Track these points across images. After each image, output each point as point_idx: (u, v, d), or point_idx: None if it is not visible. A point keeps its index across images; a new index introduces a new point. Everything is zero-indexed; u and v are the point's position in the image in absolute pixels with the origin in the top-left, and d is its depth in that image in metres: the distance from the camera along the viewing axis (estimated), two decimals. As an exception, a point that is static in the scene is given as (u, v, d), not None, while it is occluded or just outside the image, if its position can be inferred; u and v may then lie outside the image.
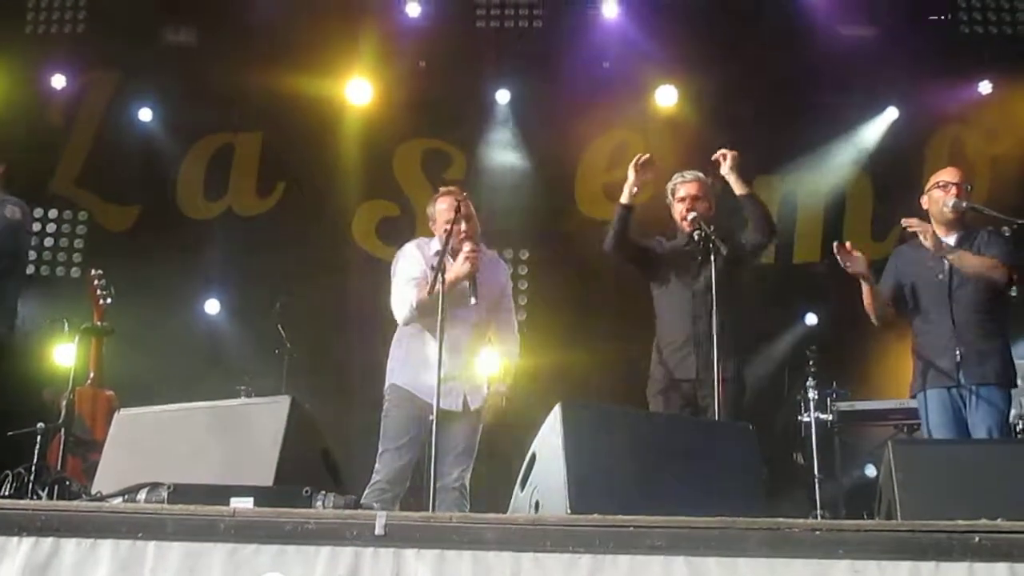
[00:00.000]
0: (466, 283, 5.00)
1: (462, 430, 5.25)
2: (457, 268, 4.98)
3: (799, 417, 6.71)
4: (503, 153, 8.50)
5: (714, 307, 5.05)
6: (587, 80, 8.35)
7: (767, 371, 7.65)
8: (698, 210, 5.51)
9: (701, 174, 5.68)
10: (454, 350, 5.11)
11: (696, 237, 5.38)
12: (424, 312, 5.09)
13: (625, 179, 5.46)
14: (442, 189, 5.48)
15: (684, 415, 5.24)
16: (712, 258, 5.17)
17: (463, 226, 5.13)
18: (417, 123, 8.63)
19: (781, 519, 2.72)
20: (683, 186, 5.64)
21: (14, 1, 8.89)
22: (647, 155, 5.47)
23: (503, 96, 8.59)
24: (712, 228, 5.29)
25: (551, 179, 8.47)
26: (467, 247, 5.02)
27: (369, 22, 8.47)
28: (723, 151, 5.49)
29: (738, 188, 5.46)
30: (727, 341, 5.10)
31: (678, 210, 5.64)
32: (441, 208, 5.28)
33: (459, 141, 8.73)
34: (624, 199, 5.48)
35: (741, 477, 3.44)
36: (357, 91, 8.44)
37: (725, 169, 5.45)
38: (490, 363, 5.41)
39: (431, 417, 4.75)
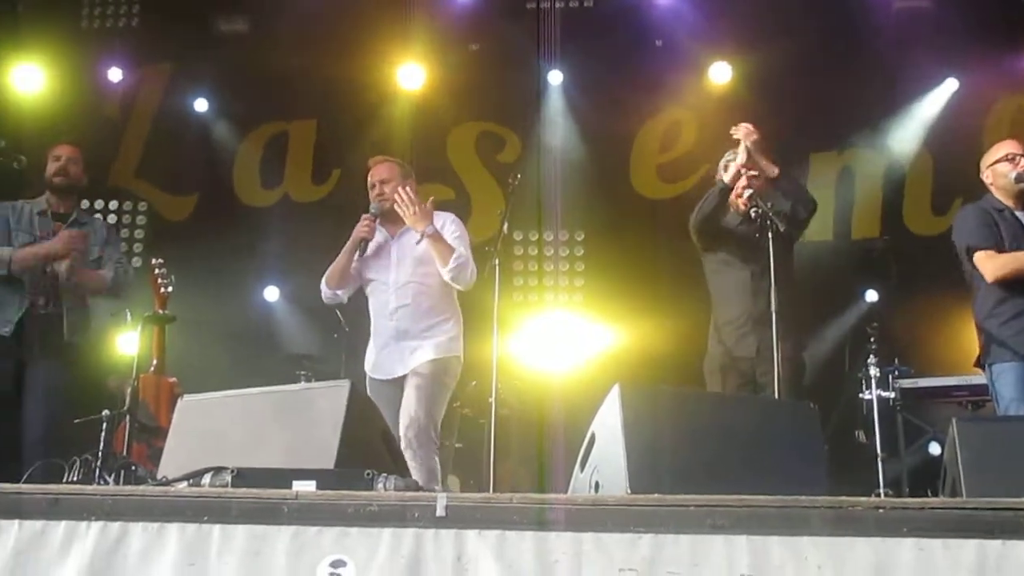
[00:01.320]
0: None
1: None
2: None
3: (860, 395, 6.63)
4: (556, 134, 8.47)
5: (772, 284, 5.02)
6: (640, 59, 8.30)
7: (827, 349, 7.57)
8: (754, 187, 5.48)
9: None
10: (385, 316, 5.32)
11: (753, 215, 5.34)
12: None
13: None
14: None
15: (743, 394, 5.22)
16: (770, 235, 5.14)
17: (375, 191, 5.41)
18: (470, 106, 8.63)
19: (844, 498, 2.69)
20: (736, 162, 5.60)
21: (70, -2, 9.01)
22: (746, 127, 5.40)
23: (556, 77, 8.56)
24: (769, 205, 5.25)
25: (605, 160, 8.43)
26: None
27: (420, 6, 8.46)
28: (741, 125, 5.43)
29: (768, 170, 5.42)
30: (786, 319, 5.07)
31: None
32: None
33: (512, 123, 8.71)
34: (728, 179, 5.45)
35: (803, 456, 3.41)
36: (410, 76, 8.46)
37: (742, 154, 5.38)
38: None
39: None
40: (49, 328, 5.83)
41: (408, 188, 5.34)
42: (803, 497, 2.69)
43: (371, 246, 5.39)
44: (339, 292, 5.46)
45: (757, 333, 5.32)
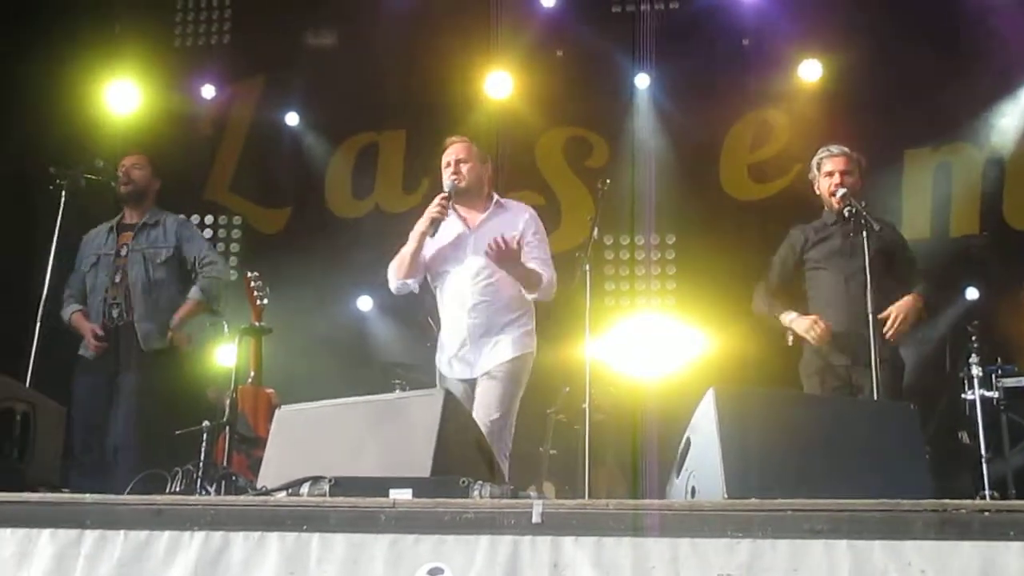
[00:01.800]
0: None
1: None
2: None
3: (963, 395, 6.49)
4: (645, 137, 8.43)
5: (868, 285, 4.93)
6: (727, 59, 8.22)
7: (927, 349, 7.41)
8: (847, 185, 5.39)
9: (847, 149, 5.55)
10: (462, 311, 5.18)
11: (847, 214, 5.25)
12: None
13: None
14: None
15: (838, 396, 5.14)
16: (864, 234, 5.05)
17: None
18: (557, 112, 8.63)
19: (948, 500, 2.63)
20: (830, 160, 5.52)
21: (162, 16, 9.18)
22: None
23: (643, 80, 8.52)
24: (864, 204, 5.16)
25: (694, 161, 8.36)
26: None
27: (505, 15, 8.49)
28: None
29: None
30: (883, 321, 4.98)
31: (825, 185, 5.53)
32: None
33: (600, 128, 8.69)
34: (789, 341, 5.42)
35: (904, 458, 3.35)
36: (497, 84, 8.48)
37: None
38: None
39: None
40: (127, 340, 5.98)
41: (486, 170, 5.33)
42: (905, 501, 2.64)
43: (447, 235, 5.24)
44: (409, 281, 5.29)
45: (853, 337, 5.23)
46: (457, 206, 5.30)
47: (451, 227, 5.27)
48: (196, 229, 6.29)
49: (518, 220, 5.28)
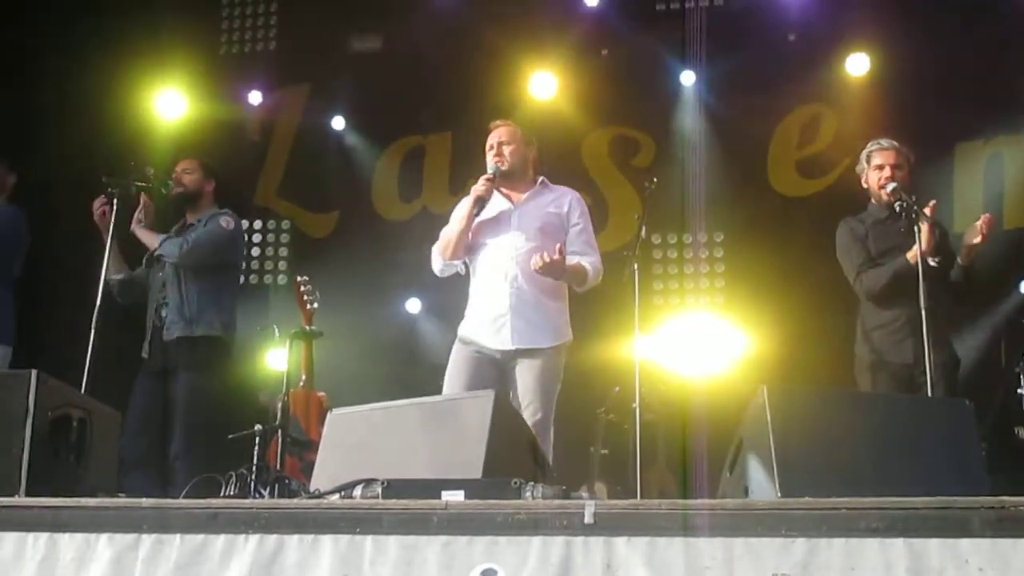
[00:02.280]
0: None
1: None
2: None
3: (1019, 390, 6.40)
4: (691, 135, 8.39)
5: (921, 280, 4.87)
6: (773, 55, 8.15)
7: (981, 344, 7.32)
8: (896, 179, 5.33)
9: (897, 143, 5.49)
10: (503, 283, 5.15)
11: (897, 208, 5.19)
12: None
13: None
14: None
15: (892, 393, 5.09)
16: (916, 229, 4.99)
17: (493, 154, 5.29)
18: (603, 112, 8.60)
19: (1006, 498, 2.60)
20: (880, 153, 5.46)
21: (209, 25, 9.27)
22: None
23: (688, 78, 8.48)
24: (914, 198, 5.10)
25: (741, 158, 8.31)
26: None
27: (549, 15, 8.49)
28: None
29: None
30: (940, 317, 4.91)
31: (874, 178, 5.46)
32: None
33: (646, 126, 8.66)
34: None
35: (959, 455, 3.31)
36: (541, 85, 8.47)
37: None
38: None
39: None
40: (176, 344, 6.04)
41: (531, 152, 5.35)
42: (962, 498, 2.61)
43: (490, 211, 5.24)
44: (455, 262, 5.29)
45: (912, 336, 5.15)
46: (502, 188, 5.31)
47: (495, 204, 5.28)
48: (223, 219, 6.28)
49: (563, 200, 5.30)
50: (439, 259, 5.32)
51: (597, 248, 5.27)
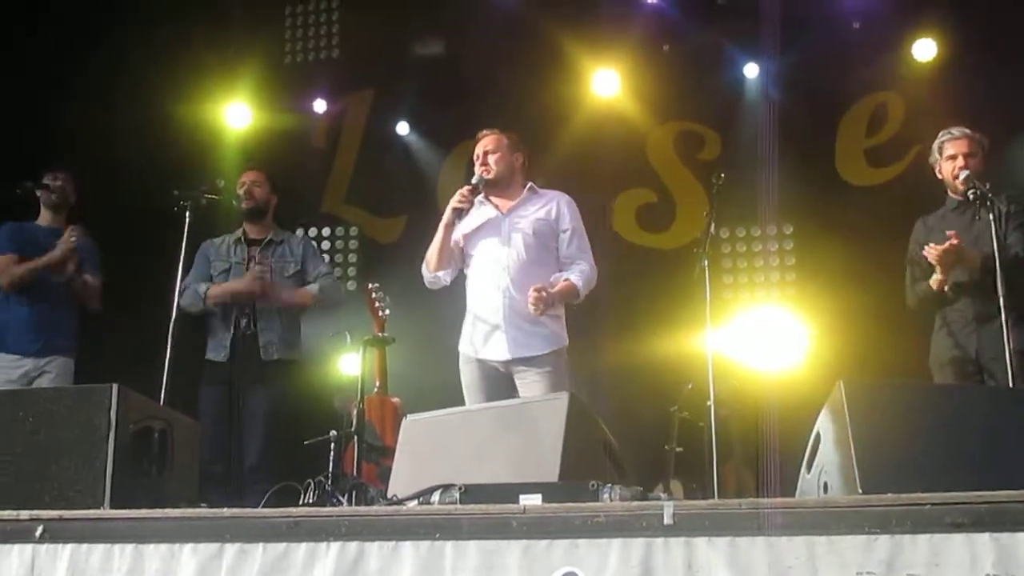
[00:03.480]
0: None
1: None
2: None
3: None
4: (757, 128, 8.31)
5: (998, 270, 4.79)
6: (838, 43, 8.05)
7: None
8: (970, 168, 5.25)
9: (968, 130, 5.41)
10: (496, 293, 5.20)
11: (971, 196, 5.11)
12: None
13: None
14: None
15: (974, 385, 5.01)
16: (991, 218, 4.90)
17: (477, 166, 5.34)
18: (666, 108, 8.56)
19: (1094, 489, 2.55)
20: (951, 143, 5.38)
21: (272, 35, 9.37)
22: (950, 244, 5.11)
23: (751, 70, 8.41)
24: (988, 186, 5.02)
25: (808, 149, 8.21)
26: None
27: (609, 13, 8.46)
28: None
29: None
30: (1015, 307, 4.82)
31: (947, 169, 5.39)
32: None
33: (711, 121, 8.60)
34: (936, 288, 5.23)
35: (1043, 446, 3.25)
36: (604, 82, 8.45)
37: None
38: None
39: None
40: (252, 350, 6.11)
41: (517, 159, 5.41)
42: (1050, 491, 2.56)
43: (478, 220, 5.33)
44: (440, 274, 5.38)
45: (983, 326, 5.09)
46: (491, 197, 5.39)
47: (484, 213, 5.36)
48: (316, 248, 6.48)
49: (552, 205, 5.35)
50: (425, 272, 5.43)
51: (589, 248, 5.32)
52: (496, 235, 5.31)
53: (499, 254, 5.26)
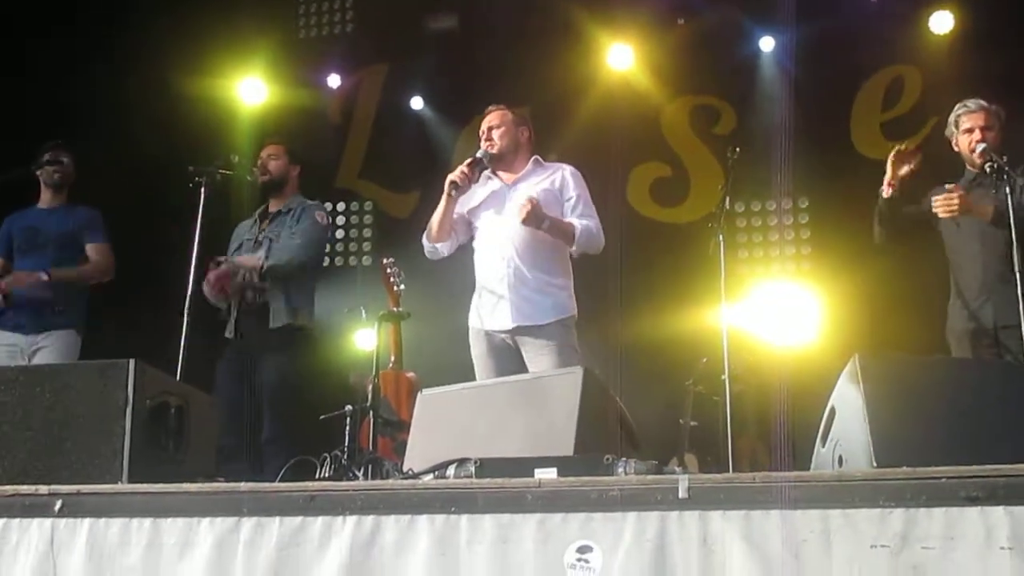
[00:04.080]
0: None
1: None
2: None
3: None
4: (773, 101, 8.28)
5: (1015, 244, 4.77)
6: (854, 16, 8.01)
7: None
8: (987, 140, 5.23)
9: (985, 102, 5.38)
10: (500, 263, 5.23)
11: (988, 170, 5.09)
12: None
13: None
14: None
15: (989, 359, 5.00)
16: (1008, 190, 4.88)
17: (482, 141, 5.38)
18: (681, 81, 8.54)
19: (1109, 462, 2.55)
20: (968, 116, 5.36)
21: (286, 10, 9.37)
22: (904, 146, 5.20)
23: (767, 43, 8.37)
24: (1005, 159, 4.99)
25: (824, 123, 8.18)
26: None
27: (623, -15, 8.44)
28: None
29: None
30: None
31: (964, 142, 5.37)
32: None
33: (726, 94, 8.59)
34: (883, 193, 5.26)
35: (1059, 420, 3.24)
36: (619, 56, 8.43)
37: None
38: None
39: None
40: (261, 321, 6.11)
41: (522, 133, 5.44)
42: (1065, 464, 2.56)
43: (484, 193, 5.38)
44: (439, 245, 5.42)
45: (995, 300, 5.08)
46: (498, 171, 5.43)
47: (489, 186, 5.41)
48: (318, 214, 6.36)
49: (556, 176, 5.37)
50: (425, 242, 5.46)
51: (595, 216, 5.30)
52: (501, 207, 5.34)
53: (504, 225, 5.28)
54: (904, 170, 5.25)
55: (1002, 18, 7.54)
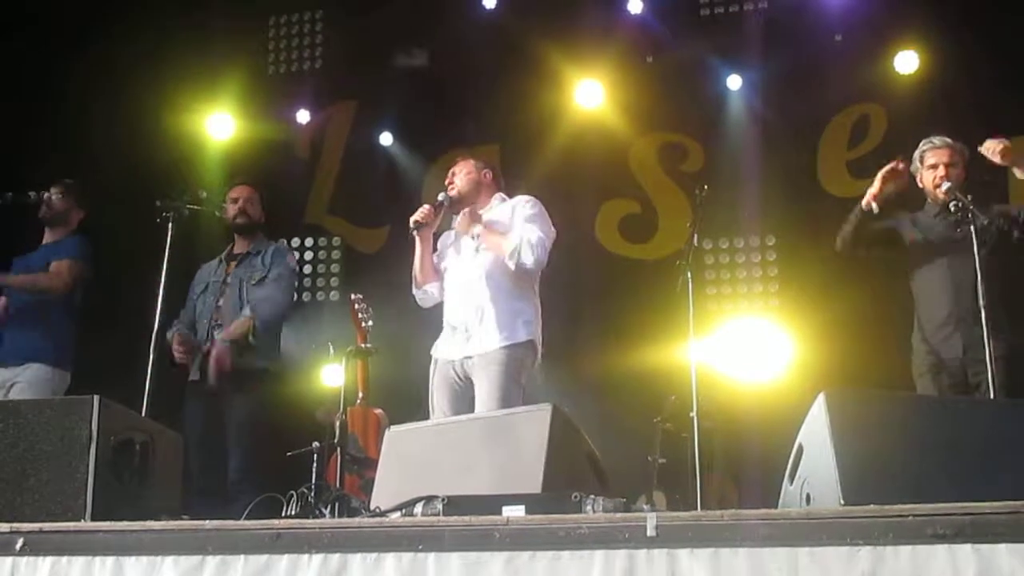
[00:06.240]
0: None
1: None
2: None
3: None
4: (740, 139, 8.34)
5: (979, 280, 4.81)
6: (820, 56, 8.10)
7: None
8: (951, 178, 5.28)
9: (950, 140, 5.45)
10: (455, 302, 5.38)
11: (952, 208, 5.14)
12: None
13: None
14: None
15: (956, 396, 5.03)
16: (972, 229, 4.93)
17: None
18: (650, 119, 8.58)
19: (1076, 501, 2.56)
20: (933, 153, 5.42)
21: (255, 46, 9.38)
22: (897, 163, 5.28)
23: (735, 82, 8.44)
24: (969, 198, 5.05)
25: (791, 161, 8.24)
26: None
27: (592, 24, 8.49)
28: (990, 145, 5.18)
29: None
30: (996, 315, 4.85)
31: (928, 178, 5.43)
32: None
33: (694, 132, 8.63)
34: (864, 205, 5.31)
35: (1025, 458, 3.25)
36: (587, 93, 8.47)
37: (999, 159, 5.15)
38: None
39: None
40: (241, 372, 6.06)
41: (484, 176, 5.54)
42: (1031, 501, 2.56)
43: (448, 238, 5.54)
44: (427, 288, 5.50)
45: (962, 332, 5.13)
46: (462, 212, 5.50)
47: (453, 233, 5.57)
48: (288, 257, 6.39)
49: (509, 206, 5.45)
50: (414, 291, 5.57)
51: (540, 230, 5.28)
52: (461, 244, 5.46)
53: (464, 260, 5.39)
54: (891, 188, 5.30)
55: (966, 59, 7.64)
